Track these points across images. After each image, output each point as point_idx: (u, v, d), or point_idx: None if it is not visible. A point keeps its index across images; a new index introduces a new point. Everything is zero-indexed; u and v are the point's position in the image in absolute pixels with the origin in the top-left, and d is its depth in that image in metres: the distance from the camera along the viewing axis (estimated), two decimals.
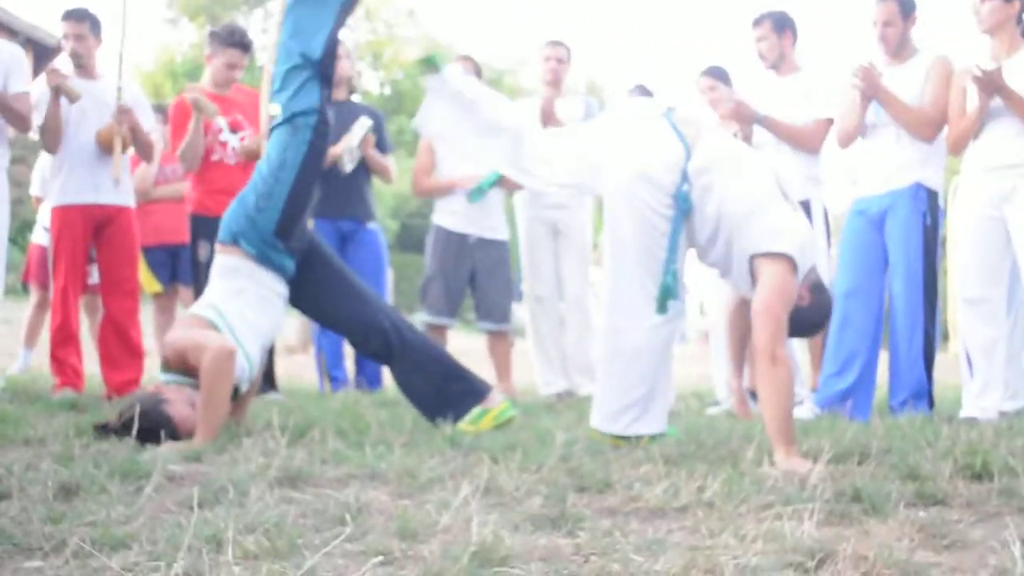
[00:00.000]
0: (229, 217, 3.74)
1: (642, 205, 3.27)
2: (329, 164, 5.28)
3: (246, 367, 3.54)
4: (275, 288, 3.74)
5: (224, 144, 5.20)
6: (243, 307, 3.64)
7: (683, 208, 3.26)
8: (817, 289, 3.35)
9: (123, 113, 4.86)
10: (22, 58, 4.82)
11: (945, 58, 4.73)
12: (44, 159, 6.89)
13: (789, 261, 3.18)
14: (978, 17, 4.54)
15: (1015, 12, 4.53)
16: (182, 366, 3.50)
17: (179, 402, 3.46)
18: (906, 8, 4.72)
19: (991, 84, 4.36)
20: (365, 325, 3.87)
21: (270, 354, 5.32)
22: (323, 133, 3.77)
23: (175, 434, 3.37)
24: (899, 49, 4.76)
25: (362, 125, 5.40)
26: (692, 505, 2.36)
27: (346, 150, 5.38)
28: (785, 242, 3.20)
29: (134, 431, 3.26)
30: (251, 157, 5.19)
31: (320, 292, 3.89)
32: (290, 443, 2.99)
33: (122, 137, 4.88)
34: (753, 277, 3.24)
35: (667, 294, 3.30)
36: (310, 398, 4.77)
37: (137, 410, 3.33)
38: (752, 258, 3.23)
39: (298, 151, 3.67)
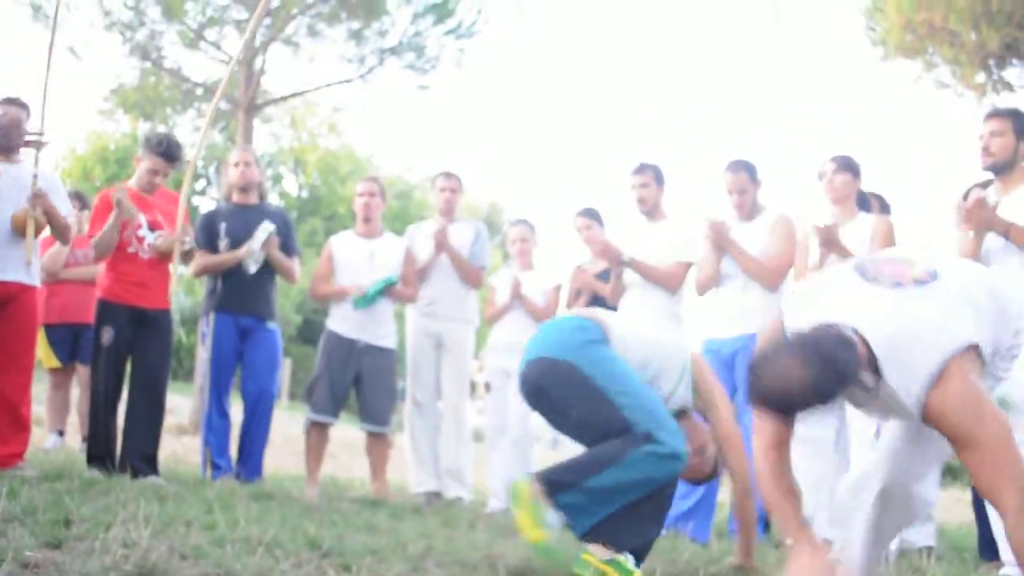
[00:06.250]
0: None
1: None
2: (234, 265, 5.29)
3: None
4: None
5: (142, 240, 5.08)
6: None
7: None
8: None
9: (37, 197, 4.69)
10: None
11: (786, 216, 4.92)
12: None
13: None
14: (830, 186, 4.70)
15: (858, 186, 4.75)
16: None
17: None
18: (754, 175, 4.94)
19: (829, 239, 4.51)
20: None
21: (155, 438, 5.10)
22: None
23: None
24: (750, 210, 4.94)
25: (264, 229, 5.31)
26: None
27: (248, 253, 5.29)
28: None
29: None
30: (162, 255, 5.09)
31: None
32: (155, 534, 2.82)
33: (36, 221, 4.71)
34: None
35: None
36: (188, 485, 4.55)
37: None
38: None
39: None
